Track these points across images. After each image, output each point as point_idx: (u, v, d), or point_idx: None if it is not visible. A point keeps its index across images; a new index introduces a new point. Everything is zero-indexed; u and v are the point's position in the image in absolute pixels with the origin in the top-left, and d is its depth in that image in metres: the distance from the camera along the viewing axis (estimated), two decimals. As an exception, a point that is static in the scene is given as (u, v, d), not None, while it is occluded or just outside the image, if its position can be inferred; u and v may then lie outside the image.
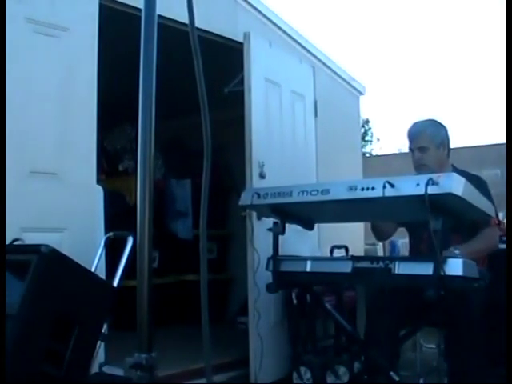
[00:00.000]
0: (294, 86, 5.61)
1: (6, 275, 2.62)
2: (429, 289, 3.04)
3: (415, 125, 4.25)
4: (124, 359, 1.66)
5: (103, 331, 3.11)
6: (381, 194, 3.04)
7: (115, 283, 3.31)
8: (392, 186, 3.03)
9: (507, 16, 3.69)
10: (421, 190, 2.91)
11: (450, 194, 2.90)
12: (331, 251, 4.20)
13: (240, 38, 5.07)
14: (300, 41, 6.47)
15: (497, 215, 4.07)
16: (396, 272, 3.18)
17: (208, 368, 1.85)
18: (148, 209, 1.72)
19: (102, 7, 4.13)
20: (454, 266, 3.02)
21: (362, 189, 3.14)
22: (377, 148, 24.68)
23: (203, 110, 1.77)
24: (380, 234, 4.36)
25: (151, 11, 1.77)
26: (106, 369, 3.42)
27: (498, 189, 4.59)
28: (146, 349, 1.66)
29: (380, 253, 7.81)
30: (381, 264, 3.27)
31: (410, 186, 3.00)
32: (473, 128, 32.67)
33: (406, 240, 4.54)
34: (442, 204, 2.98)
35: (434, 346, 4.75)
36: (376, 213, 3.66)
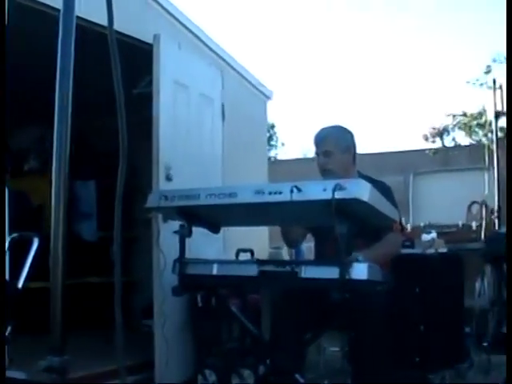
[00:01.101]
0: (202, 88, 5.60)
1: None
2: (334, 292, 3.07)
3: (322, 130, 4.31)
4: (28, 363, 1.63)
5: (7, 334, 3.02)
6: (288, 199, 3.05)
7: (20, 285, 3.22)
8: (299, 190, 3.05)
9: (507, 16, 3.75)
10: (328, 195, 2.93)
11: (357, 200, 2.93)
12: (237, 255, 4.20)
13: (149, 40, 5.04)
14: (209, 44, 6.48)
15: (400, 221, 4.16)
16: (302, 276, 3.19)
17: (122, 369, 1.83)
18: (62, 210, 1.69)
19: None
20: (359, 270, 3.05)
21: (270, 193, 3.14)
22: (281, 153, 24.88)
23: (120, 112, 1.75)
24: (290, 240, 4.40)
25: (70, 12, 1.73)
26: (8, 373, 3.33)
27: (401, 195, 4.69)
28: (59, 351, 1.63)
29: (284, 257, 7.89)
30: (287, 268, 3.28)
31: (318, 190, 3.02)
32: (375, 135, 33.44)
33: (311, 244, 4.58)
34: (349, 209, 3.01)
35: (337, 349, 4.82)
36: (283, 217, 3.68)
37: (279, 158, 23.06)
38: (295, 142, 49.43)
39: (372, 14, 32.54)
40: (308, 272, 3.20)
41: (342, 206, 2.96)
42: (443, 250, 5.90)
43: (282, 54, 40.27)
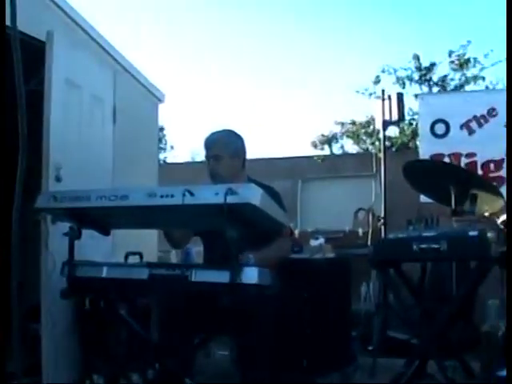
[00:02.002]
0: (94, 89, 5.54)
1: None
2: (224, 296, 3.09)
3: (212, 134, 4.34)
4: None
5: None
6: (180, 202, 3.05)
7: None
8: (191, 194, 3.05)
9: (507, 16, 3.80)
10: (220, 199, 2.95)
11: (249, 204, 2.96)
12: (126, 258, 4.17)
13: (42, 37, 4.94)
14: (102, 43, 6.40)
15: (289, 226, 4.23)
16: (193, 279, 3.20)
17: (19, 371, 1.80)
18: None
19: None
20: (250, 275, 3.08)
21: (162, 196, 3.13)
22: (170, 156, 24.78)
23: (21, 111, 1.72)
24: (175, 242, 4.40)
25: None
26: None
27: (289, 200, 4.76)
28: None
29: (173, 260, 7.87)
30: (177, 271, 3.28)
31: (210, 194, 3.03)
32: (265, 140, 33.74)
33: (200, 248, 4.59)
34: (240, 213, 3.04)
35: (226, 353, 4.85)
36: (175, 220, 3.68)
37: (168, 161, 22.96)
38: (184, 146, 49.32)
39: (265, 18, 32.77)
40: (198, 276, 3.21)
41: (234, 210, 2.98)
42: (331, 255, 6.01)
43: (173, 55, 40.09)
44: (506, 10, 4.07)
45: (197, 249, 5.90)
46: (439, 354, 4.26)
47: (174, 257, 8.02)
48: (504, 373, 3.68)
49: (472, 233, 4.08)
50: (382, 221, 7.64)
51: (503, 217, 4.80)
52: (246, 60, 36.10)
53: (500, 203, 4.87)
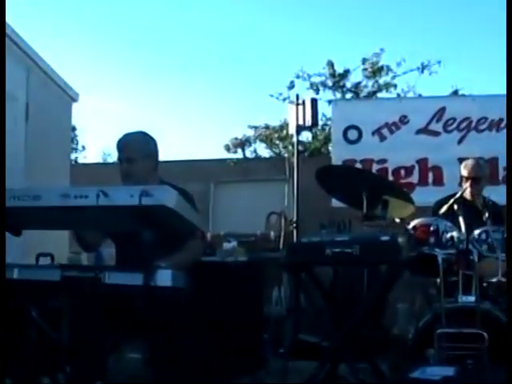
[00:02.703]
0: (7, 86, 5.43)
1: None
2: (138, 299, 3.08)
3: (125, 136, 4.32)
4: None
5: None
6: (94, 203, 3.02)
7: None
8: (106, 195, 3.03)
9: (507, 16, 3.81)
10: (135, 201, 2.94)
11: (163, 206, 2.96)
12: (37, 259, 4.11)
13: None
14: (16, 40, 6.28)
15: (202, 228, 4.24)
16: (106, 281, 3.17)
17: None
18: None
19: None
20: (163, 277, 3.08)
21: (75, 196, 3.09)
22: (81, 156, 24.48)
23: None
24: (86, 244, 4.34)
25: None
26: None
27: (202, 203, 4.77)
28: None
29: (84, 262, 7.77)
30: (91, 273, 3.25)
31: (124, 196, 3.01)
32: (178, 143, 33.60)
33: (113, 250, 4.55)
34: (154, 215, 3.03)
35: (139, 356, 4.80)
36: (89, 221, 3.63)
37: (80, 161, 22.68)
38: (95, 146, 48.68)
39: (185, 18, 32.61)
40: (112, 278, 3.18)
41: (148, 211, 2.97)
42: (243, 258, 6.03)
43: (87, 54, 39.55)
44: (505, 10, 4.13)
45: (108, 250, 5.84)
46: (350, 357, 4.33)
47: (85, 258, 7.91)
48: (415, 374, 3.77)
49: (384, 238, 4.17)
50: (294, 224, 7.73)
51: (414, 222, 4.92)
52: (163, 61, 35.85)
53: (410, 209, 4.98)
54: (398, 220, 4.79)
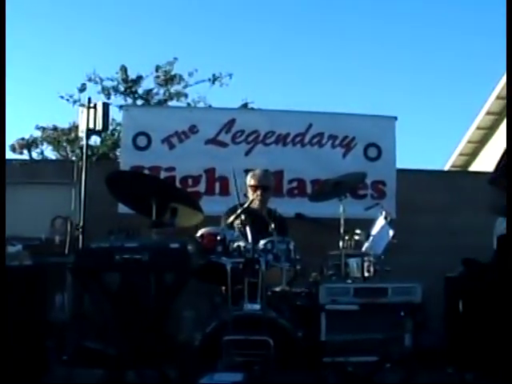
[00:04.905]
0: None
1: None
2: None
3: None
4: None
5: None
6: None
7: None
8: None
9: (507, 16, 3.73)
10: None
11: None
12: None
13: None
14: None
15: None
16: None
17: None
18: None
19: None
20: None
21: None
22: None
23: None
24: None
25: None
26: None
27: None
28: None
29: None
30: None
31: None
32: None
33: None
34: None
35: None
36: None
37: None
38: None
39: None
40: None
41: None
42: (28, 262, 5.87)
43: None
44: (505, 10, 4.22)
45: None
46: (136, 364, 4.34)
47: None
48: (204, 380, 3.85)
49: (173, 245, 4.22)
50: (80, 229, 7.63)
51: (201, 231, 5.03)
52: None
53: (199, 217, 5.08)
54: (186, 227, 4.88)
